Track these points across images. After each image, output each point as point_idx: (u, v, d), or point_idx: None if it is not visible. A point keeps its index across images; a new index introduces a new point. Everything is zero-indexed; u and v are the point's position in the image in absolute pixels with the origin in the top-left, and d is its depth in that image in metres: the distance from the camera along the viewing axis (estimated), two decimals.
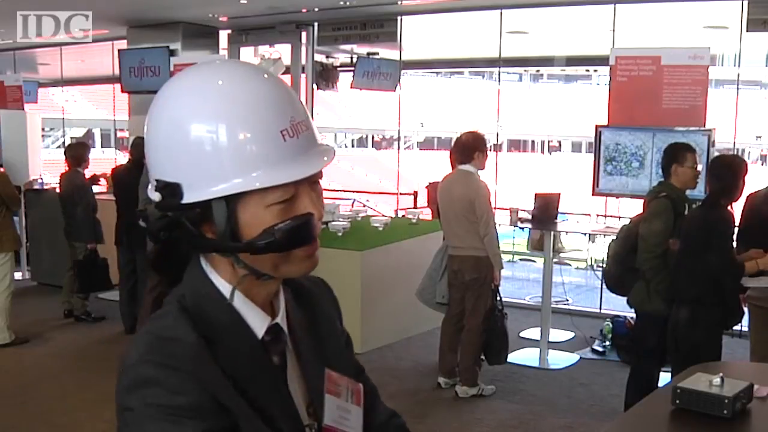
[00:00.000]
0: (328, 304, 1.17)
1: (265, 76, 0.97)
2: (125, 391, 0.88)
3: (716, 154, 5.32)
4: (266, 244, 0.92)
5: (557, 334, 6.25)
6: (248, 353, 0.96)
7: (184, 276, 0.99)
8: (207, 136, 0.91)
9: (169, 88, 0.97)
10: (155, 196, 0.95)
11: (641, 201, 4.34)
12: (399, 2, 8.30)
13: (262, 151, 0.91)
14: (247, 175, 0.91)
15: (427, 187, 8.45)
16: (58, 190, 6.99)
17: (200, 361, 0.89)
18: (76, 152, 6.60)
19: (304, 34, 8.88)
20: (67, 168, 6.55)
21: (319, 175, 0.97)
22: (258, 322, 0.98)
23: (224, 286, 0.97)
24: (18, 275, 7.21)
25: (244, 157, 0.91)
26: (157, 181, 0.95)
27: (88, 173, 6.65)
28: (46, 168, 9.92)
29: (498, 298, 5.01)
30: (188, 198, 0.93)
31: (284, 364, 1.02)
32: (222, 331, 0.95)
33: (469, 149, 4.88)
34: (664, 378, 4.25)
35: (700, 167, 4.23)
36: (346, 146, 36.29)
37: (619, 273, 4.36)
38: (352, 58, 9.40)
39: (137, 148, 6.10)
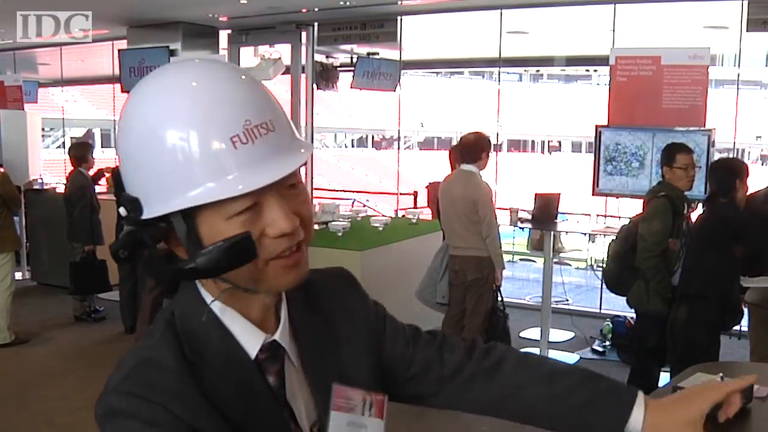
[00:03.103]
0: (348, 298, 1.08)
1: (218, 73, 0.87)
2: (101, 417, 0.84)
3: (716, 154, 5.34)
4: (189, 270, 0.85)
5: (557, 334, 6.25)
6: (237, 375, 0.89)
7: (179, 290, 0.93)
8: (149, 147, 0.84)
9: (132, 94, 0.90)
10: (121, 211, 0.88)
11: (641, 201, 4.35)
12: (399, 2, 8.30)
13: (210, 162, 0.83)
14: (194, 189, 0.83)
15: (427, 187, 8.46)
16: (63, 191, 6.99)
17: (179, 388, 0.84)
18: (78, 152, 6.60)
19: (304, 34, 8.87)
20: (72, 168, 6.56)
21: (292, 178, 0.88)
22: (251, 340, 0.92)
23: (215, 304, 0.91)
24: (18, 275, 7.21)
25: (187, 171, 0.83)
26: (122, 195, 0.89)
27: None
28: (46, 168, 9.93)
29: (500, 299, 5.01)
30: (147, 213, 0.86)
31: (282, 383, 0.95)
32: (210, 352, 0.89)
33: (476, 149, 4.88)
34: (664, 378, 4.25)
35: (698, 168, 4.24)
36: (346, 146, 36.30)
37: (619, 272, 4.37)
38: (352, 58, 9.40)
39: None
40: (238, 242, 0.84)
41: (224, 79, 0.87)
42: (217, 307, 0.91)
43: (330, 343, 1.02)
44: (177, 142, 0.83)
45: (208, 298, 0.92)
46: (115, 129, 21.31)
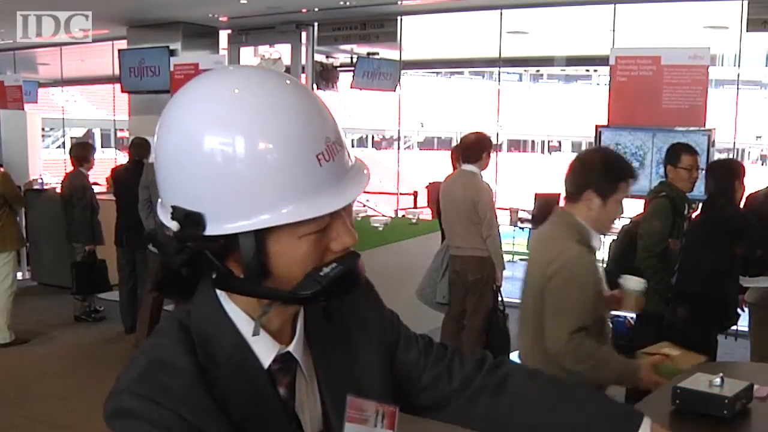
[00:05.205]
0: (365, 306, 1.08)
1: (297, 89, 0.86)
2: (110, 415, 0.85)
3: (716, 154, 5.34)
4: (312, 294, 0.84)
5: None
6: (249, 383, 0.89)
7: (196, 293, 0.92)
8: (233, 161, 0.81)
9: (185, 98, 0.86)
10: (172, 225, 0.85)
11: (641, 201, 4.35)
12: (399, 2, 8.30)
13: (298, 180, 0.82)
14: (281, 208, 0.82)
15: (427, 187, 8.47)
16: (59, 190, 6.99)
17: (190, 392, 0.84)
18: (79, 152, 6.59)
19: (304, 34, 8.89)
20: (72, 168, 6.55)
21: None
22: (265, 351, 0.91)
23: (235, 312, 0.90)
24: (18, 275, 7.21)
25: (277, 188, 0.81)
26: (174, 208, 0.85)
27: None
28: (46, 168, 9.93)
29: (500, 299, 5.01)
30: (212, 230, 0.83)
31: (293, 394, 0.94)
32: (223, 357, 0.88)
33: (478, 149, 4.88)
34: None
35: (701, 170, 4.24)
36: None
37: (619, 272, 4.36)
38: (352, 58, 9.41)
39: (136, 148, 6.10)
40: (355, 266, 0.89)
41: (307, 97, 0.87)
42: (234, 314, 0.91)
43: (344, 353, 1.02)
44: (263, 158, 0.81)
45: (231, 307, 0.91)
46: (115, 129, 21.23)
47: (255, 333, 0.88)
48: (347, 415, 0.97)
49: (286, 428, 0.93)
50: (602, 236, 2.51)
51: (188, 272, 0.86)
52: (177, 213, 0.84)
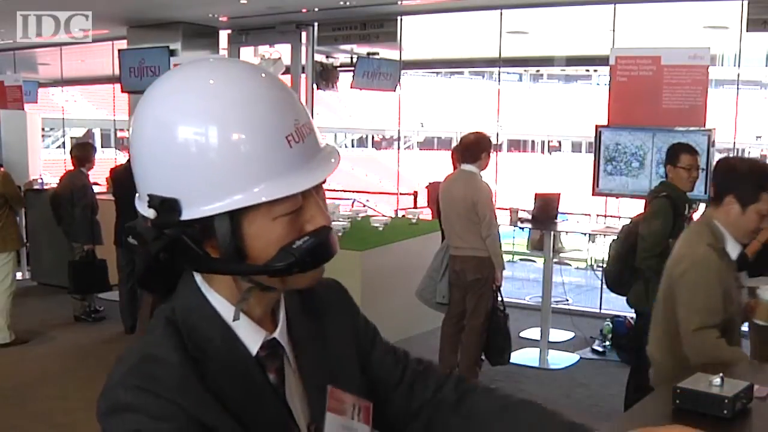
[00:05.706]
0: (340, 308, 1.10)
1: (263, 75, 0.90)
2: (104, 414, 0.84)
3: (716, 154, 5.34)
4: (287, 265, 0.86)
5: (557, 334, 6.25)
6: (240, 371, 0.90)
7: (178, 287, 0.93)
8: (205, 146, 0.84)
9: (157, 91, 0.88)
10: (149, 213, 0.88)
11: (641, 201, 4.35)
12: (399, 2, 8.30)
13: (268, 161, 0.84)
14: (253, 188, 0.84)
15: (427, 187, 8.47)
16: (57, 190, 6.98)
17: (184, 383, 0.84)
18: (81, 152, 6.58)
19: (304, 34, 8.88)
20: (72, 167, 6.55)
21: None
22: (252, 337, 0.92)
23: (218, 301, 0.91)
24: (18, 275, 7.21)
25: (248, 168, 0.84)
26: (150, 196, 0.88)
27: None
28: (46, 168, 9.93)
29: (500, 299, 5.01)
30: (188, 215, 0.85)
31: (282, 381, 0.96)
32: (212, 348, 0.89)
33: (477, 149, 4.88)
34: None
35: (702, 170, 4.24)
36: (346, 146, 36.28)
37: (619, 272, 4.37)
38: (352, 58, 9.41)
39: None
40: (326, 238, 0.88)
41: (272, 81, 0.90)
42: (218, 303, 0.92)
43: (322, 346, 1.03)
44: (238, 142, 0.84)
45: (214, 297, 0.92)
46: (115, 129, 21.26)
47: (235, 318, 0.89)
48: (328, 405, 0.98)
49: (280, 414, 0.94)
50: (741, 244, 2.54)
51: (166, 258, 0.87)
52: (153, 201, 0.87)
